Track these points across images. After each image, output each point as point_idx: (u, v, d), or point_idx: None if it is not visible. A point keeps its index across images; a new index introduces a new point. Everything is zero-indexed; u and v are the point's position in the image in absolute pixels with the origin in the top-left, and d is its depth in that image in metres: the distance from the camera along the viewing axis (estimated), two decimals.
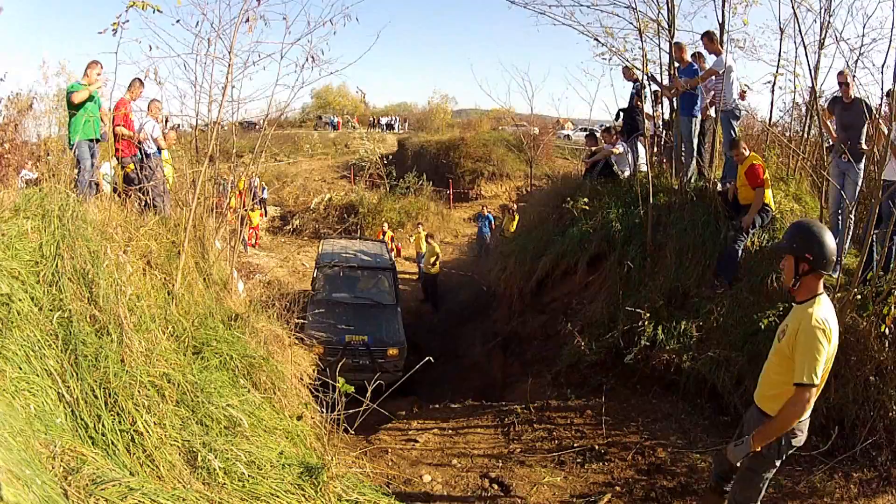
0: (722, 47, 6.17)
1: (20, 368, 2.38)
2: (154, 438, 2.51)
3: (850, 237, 5.06)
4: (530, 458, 4.05)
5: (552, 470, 3.86)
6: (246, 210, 6.00)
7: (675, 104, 6.50)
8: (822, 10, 5.92)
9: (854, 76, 5.63)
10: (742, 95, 6.42)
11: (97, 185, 5.15)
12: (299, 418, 3.45)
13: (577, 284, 6.38)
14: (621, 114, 7.45)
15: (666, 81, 6.64)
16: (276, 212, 18.78)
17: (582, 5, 6.49)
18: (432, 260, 11.26)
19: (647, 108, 7.07)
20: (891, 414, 3.61)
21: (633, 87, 7.16)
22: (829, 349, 2.18)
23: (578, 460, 3.97)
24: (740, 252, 5.17)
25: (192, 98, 4.49)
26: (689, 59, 6.41)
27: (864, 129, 4.86)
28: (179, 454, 2.54)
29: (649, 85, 6.85)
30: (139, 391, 2.65)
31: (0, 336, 2.43)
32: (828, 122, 5.33)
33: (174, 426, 2.65)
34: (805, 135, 6.94)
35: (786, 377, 2.24)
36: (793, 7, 4.76)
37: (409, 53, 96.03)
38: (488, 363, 7.52)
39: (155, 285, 3.66)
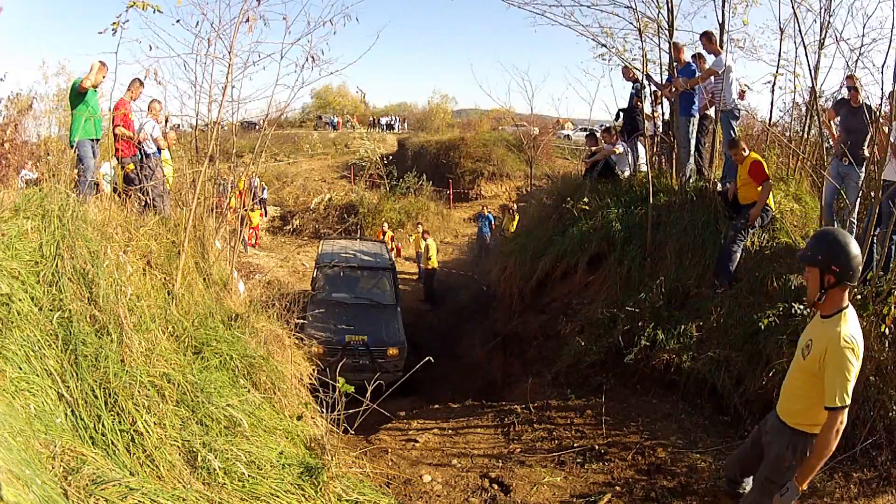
0: (722, 47, 6.18)
1: (20, 368, 2.38)
2: (154, 438, 2.51)
3: None
4: (530, 458, 4.05)
5: (552, 470, 3.86)
6: (246, 210, 6.00)
7: (673, 104, 6.50)
8: (822, 10, 5.93)
9: (854, 76, 5.64)
10: (741, 95, 6.42)
11: (97, 185, 5.15)
12: (299, 418, 3.45)
13: (577, 284, 6.38)
14: (621, 114, 7.46)
15: (664, 81, 6.65)
16: (276, 212, 18.78)
17: (582, 5, 6.50)
18: (429, 255, 11.46)
19: (647, 108, 7.08)
20: (891, 414, 3.61)
21: (633, 88, 7.17)
22: (858, 366, 2.11)
23: (578, 460, 3.96)
24: (740, 252, 5.17)
25: (192, 98, 4.49)
26: (688, 60, 6.42)
27: (868, 135, 4.87)
28: (179, 454, 2.54)
29: (649, 85, 6.86)
30: (139, 391, 2.65)
31: (0, 336, 2.43)
32: (830, 123, 5.33)
33: (174, 426, 2.65)
34: (805, 135, 6.94)
35: (811, 392, 2.20)
36: (793, 7, 4.77)
37: (409, 53, 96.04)
38: (488, 363, 7.53)
39: (155, 285, 3.66)
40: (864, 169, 4.91)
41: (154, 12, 3.69)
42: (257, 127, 15.03)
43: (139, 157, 5.66)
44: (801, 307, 4.30)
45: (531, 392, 5.09)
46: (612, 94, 25.03)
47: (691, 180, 6.31)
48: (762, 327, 4.32)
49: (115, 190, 4.90)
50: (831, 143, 5.21)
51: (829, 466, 3.53)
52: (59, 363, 2.54)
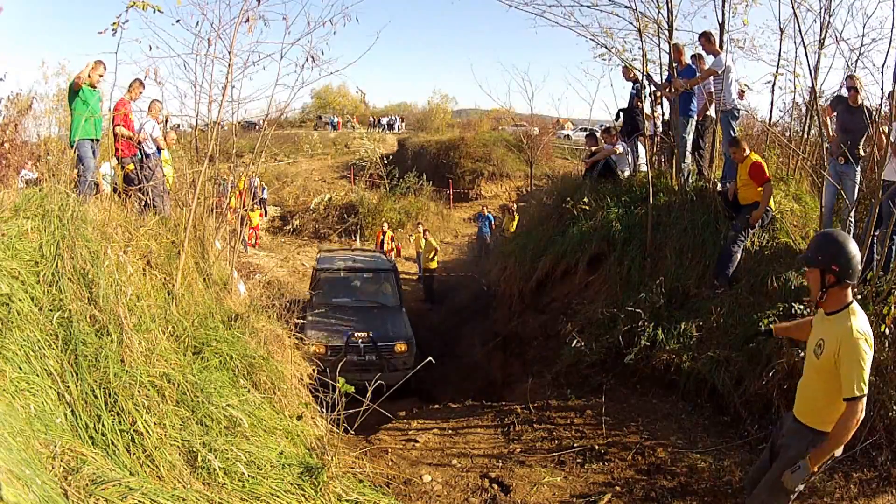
0: (722, 47, 6.18)
1: (20, 368, 2.38)
2: (154, 438, 2.51)
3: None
4: (530, 458, 4.05)
5: (552, 470, 3.86)
6: (246, 210, 6.00)
7: (673, 104, 6.50)
8: (822, 10, 5.93)
9: (855, 76, 5.63)
10: (741, 95, 6.43)
11: (97, 185, 5.15)
12: (299, 418, 3.45)
13: (577, 284, 6.38)
14: (621, 114, 7.46)
15: (664, 81, 6.64)
16: (276, 212, 18.78)
17: (582, 5, 6.48)
18: (431, 255, 11.47)
19: (647, 108, 7.08)
20: (891, 414, 3.61)
21: (633, 88, 7.17)
22: (871, 355, 2.17)
23: (578, 460, 3.96)
24: (740, 253, 5.17)
25: (192, 98, 4.49)
26: (688, 62, 6.42)
27: (865, 135, 4.87)
28: (179, 454, 2.54)
29: (648, 85, 6.86)
30: (139, 391, 2.65)
31: (0, 336, 2.43)
32: (827, 120, 5.32)
33: (174, 426, 2.65)
34: (805, 135, 6.94)
35: (830, 390, 2.22)
36: (793, 7, 4.77)
37: (409, 53, 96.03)
38: (488, 363, 7.52)
39: (155, 285, 3.66)
40: (859, 168, 4.90)
41: (154, 12, 3.69)
42: (257, 127, 15.03)
43: (139, 157, 5.67)
44: (801, 307, 4.30)
45: (531, 392, 5.09)
46: (612, 94, 25.10)
47: (691, 180, 6.31)
48: (762, 327, 4.32)
49: (115, 190, 4.90)
50: (828, 142, 5.21)
51: (829, 466, 3.53)
52: (59, 363, 2.54)
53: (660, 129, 7.14)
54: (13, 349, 2.41)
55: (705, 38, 6.08)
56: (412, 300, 11.43)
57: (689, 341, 4.84)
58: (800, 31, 5.05)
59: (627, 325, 5.20)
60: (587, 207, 6.54)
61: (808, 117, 6.64)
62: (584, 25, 6.54)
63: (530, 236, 7.50)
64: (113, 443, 2.40)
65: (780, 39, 6.58)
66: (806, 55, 4.86)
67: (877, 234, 4.39)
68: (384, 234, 13.40)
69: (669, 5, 6.22)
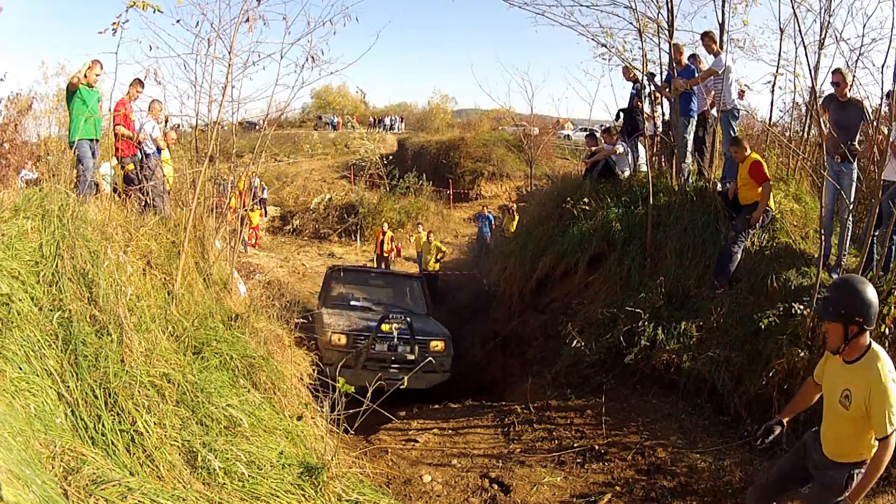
0: (722, 47, 6.17)
1: (20, 368, 2.38)
2: (154, 438, 2.51)
3: (849, 237, 5.07)
4: (530, 458, 4.05)
5: (552, 470, 3.86)
6: (246, 210, 6.00)
7: (673, 104, 6.50)
8: (822, 10, 5.93)
9: (854, 76, 5.62)
10: (741, 95, 6.43)
11: (97, 185, 5.15)
12: (299, 418, 3.45)
13: (577, 284, 6.38)
14: (621, 114, 7.46)
15: (663, 81, 6.65)
16: (276, 212, 18.78)
17: (582, 5, 6.48)
18: (438, 256, 11.47)
19: (647, 108, 7.08)
20: None
21: (633, 88, 7.17)
22: None
23: (578, 460, 3.97)
24: (739, 253, 5.17)
25: (192, 98, 4.49)
26: (687, 62, 6.42)
27: (859, 131, 4.86)
28: (179, 454, 2.54)
29: (649, 85, 6.86)
30: (139, 391, 2.65)
31: (0, 336, 2.43)
32: (822, 120, 5.32)
33: (174, 426, 2.65)
34: (805, 135, 6.94)
35: (863, 430, 2.20)
36: (793, 7, 4.76)
37: (409, 53, 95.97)
38: (488, 363, 7.52)
39: (155, 285, 3.66)
40: (855, 165, 4.90)
41: (154, 12, 3.68)
42: (257, 127, 15.03)
43: (139, 157, 5.67)
44: (801, 307, 4.30)
45: (531, 392, 5.09)
46: (612, 94, 24.94)
47: (691, 180, 6.31)
48: (762, 327, 4.32)
49: (115, 190, 4.90)
50: (822, 141, 5.19)
51: None
52: (59, 363, 2.54)
53: (660, 129, 7.14)
54: (13, 349, 2.41)
55: (709, 38, 6.08)
56: None
57: (689, 341, 4.84)
58: (800, 31, 5.05)
59: (627, 325, 5.20)
60: (587, 207, 6.54)
61: (808, 117, 6.64)
62: (584, 25, 6.54)
63: (530, 236, 7.50)
64: (113, 443, 2.40)
65: (780, 39, 6.58)
66: (806, 55, 4.85)
67: (877, 234, 4.39)
68: (384, 234, 13.39)
69: (669, 5, 6.22)
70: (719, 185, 5.95)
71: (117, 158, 5.58)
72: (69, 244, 3.08)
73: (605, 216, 6.42)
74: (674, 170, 6.50)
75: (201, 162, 4.47)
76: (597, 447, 4.08)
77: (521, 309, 7.13)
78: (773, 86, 6.43)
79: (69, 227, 3.18)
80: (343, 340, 5.89)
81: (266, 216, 17.58)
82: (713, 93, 6.15)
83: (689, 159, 6.39)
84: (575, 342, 5.42)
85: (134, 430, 2.50)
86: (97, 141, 5.39)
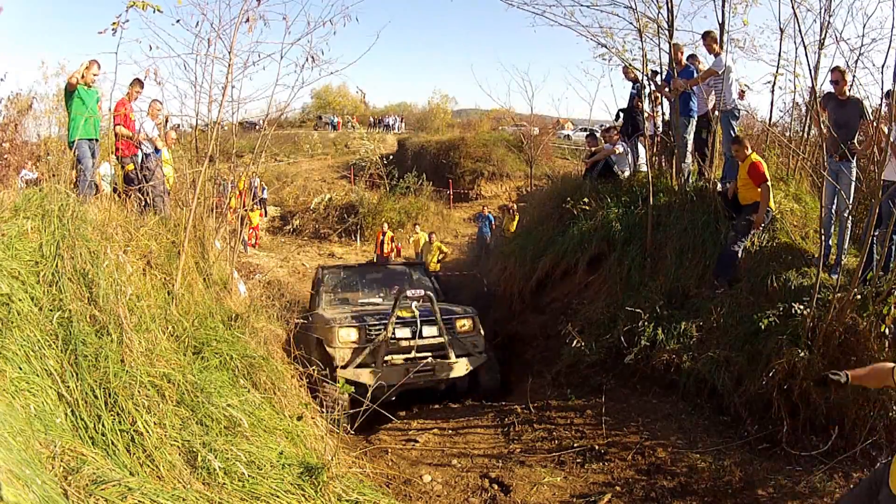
0: (722, 47, 6.17)
1: (20, 368, 2.38)
2: (154, 438, 2.51)
3: (849, 237, 5.07)
4: (530, 458, 4.05)
5: (552, 470, 3.86)
6: (246, 210, 6.00)
7: (673, 104, 6.50)
8: (822, 10, 5.92)
9: (854, 76, 5.62)
10: (741, 95, 6.43)
11: (96, 185, 5.15)
12: (299, 418, 3.45)
13: (577, 284, 6.38)
14: (621, 114, 7.46)
15: (662, 80, 6.64)
16: (276, 212, 18.78)
17: (581, 5, 6.48)
18: (439, 257, 11.46)
19: (647, 107, 7.08)
20: (891, 414, 3.61)
21: (633, 88, 7.17)
22: None
23: (578, 460, 3.96)
24: (739, 253, 5.17)
25: (192, 98, 4.49)
26: (686, 62, 6.42)
27: (858, 129, 4.86)
28: (179, 454, 2.54)
29: (649, 85, 6.86)
30: (139, 391, 2.65)
31: (0, 336, 2.43)
32: (821, 119, 5.32)
33: (174, 426, 2.65)
34: (805, 135, 6.93)
35: None
36: (793, 7, 4.75)
37: (409, 53, 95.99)
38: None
39: (155, 285, 3.66)
40: (853, 164, 4.90)
41: (154, 12, 3.69)
42: (257, 127, 15.03)
43: (139, 157, 5.66)
44: (801, 307, 4.30)
45: (531, 392, 5.08)
46: (612, 94, 25.00)
47: (691, 180, 6.31)
48: (762, 327, 4.32)
49: (115, 190, 4.90)
50: (821, 140, 5.19)
51: (829, 466, 3.53)
52: (59, 363, 2.54)
53: (660, 129, 7.14)
54: (13, 349, 2.41)
55: (711, 38, 6.07)
56: None
57: (689, 341, 4.84)
58: (800, 31, 5.04)
59: (627, 325, 5.20)
60: (587, 207, 6.54)
61: (808, 117, 6.64)
62: (584, 25, 6.54)
63: (530, 236, 7.50)
64: (113, 443, 2.40)
65: (780, 39, 6.58)
66: (806, 55, 4.85)
67: (877, 234, 4.39)
68: (384, 234, 13.39)
69: (669, 5, 6.22)
70: (719, 185, 5.95)
71: (117, 158, 5.58)
72: (69, 244, 3.08)
73: (605, 216, 6.41)
74: (674, 170, 6.50)
75: (201, 162, 4.47)
76: (597, 447, 4.08)
77: (521, 309, 7.13)
78: (773, 86, 6.43)
79: (69, 227, 3.18)
80: (354, 335, 5.15)
81: (266, 216, 17.59)
82: (713, 93, 6.15)
83: (689, 159, 6.39)
84: (575, 342, 5.42)
85: (134, 430, 2.50)
86: (97, 141, 5.39)
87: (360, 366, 5.03)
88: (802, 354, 3.89)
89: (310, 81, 4.68)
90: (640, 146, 7.13)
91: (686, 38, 6.95)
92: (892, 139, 4.18)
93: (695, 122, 6.35)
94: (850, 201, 4.91)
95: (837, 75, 4.88)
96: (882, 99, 4.53)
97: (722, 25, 6.31)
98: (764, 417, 4.04)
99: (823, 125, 4.63)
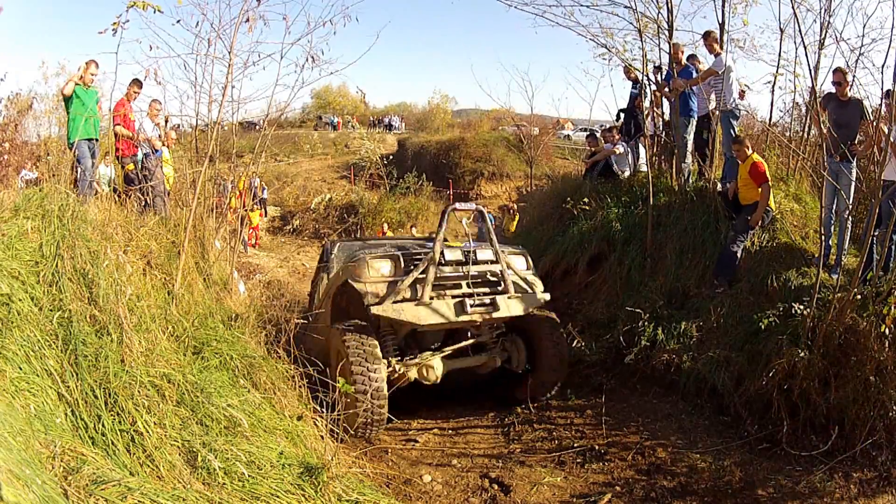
0: (722, 47, 6.17)
1: (20, 368, 2.38)
2: (154, 438, 2.51)
3: (849, 237, 5.07)
4: (530, 458, 4.05)
5: (552, 470, 3.86)
6: (246, 210, 6.00)
7: (673, 104, 6.50)
8: (822, 10, 5.93)
9: (854, 76, 5.62)
10: (742, 95, 6.43)
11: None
12: (299, 418, 3.45)
13: (577, 284, 6.38)
14: (621, 114, 7.47)
15: (662, 80, 6.64)
16: (276, 212, 18.80)
17: (581, 5, 6.49)
18: None
19: (647, 106, 7.08)
20: (891, 414, 3.60)
21: (633, 88, 7.17)
22: None
23: (578, 460, 3.96)
24: (739, 253, 5.17)
25: (192, 98, 4.50)
26: (686, 62, 6.42)
27: (858, 130, 4.87)
28: (179, 454, 2.54)
29: (649, 85, 6.86)
30: (139, 391, 2.65)
31: (0, 336, 2.43)
32: (821, 119, 5.33)
33: (174, 426, 2.65)
34: (805, 135, 6.94)
35: None
36: (793, 7, 4.75)
37: (409, 53, 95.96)
38: None
39: (155, 285, 3.66)
40: (854, 164, 4.90)
41: (154, 12, 3.69)
42: (257, 127, 15.04)
43: (139, 157, 5.67)
44: (801, 307, 4.30)
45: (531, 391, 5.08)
46: (612, 94, 25.03)
47: (691, 180, 6.31)
48: (762, 327, 4.32)
49: (115, 190, 4.90)
50: (821, 140, 5.19)
51: (829, 466, 3.53)
52: (59, 363, 2.54)
53: (660, 130, 7.14)
54: (13, 349, 2.41)
55: (712, 38, 6.07)
56: None
57: (689, 341, 4.84)
58: (800, 31, 5.04)
59: (627, 325, 5.20)
60: (587, 207, 6.54)
61: (808, 117, 6.64)
62: (584, 25, 6.56)
63: (530, 236, 7.50)
64: (113, 443, 2.40)
65: (780, 39, 6.58)
66: (806, 55, 4.85)
67: (877, 234, 4.39)
68: (384, 234, 13.41)
69: (669, 5, 6.23)
70: (719, 185, 5.95)
71: (117, 158, 5.58)
72: (69, 244, 3.08)
73: (605, 216, 6.42)
74: (674, 170, 6.51)
75: (201, 162, 4.47)
76: (597, 447, 4.08)
77: None
78: (773, 86, 6.44)
79: (69, 227, 3.18)
80: (388, 267, 4.28)
81: (266, 216, 17.60)
82: (713, 93, 6.15)
83: (689, 159, 6.39)
84: (575, 342, 5.42)
85: (134, 430, 2.50)
86: (96, 141, 5.40)
87: (399, 301, 4.11)
88: (802, 354, 3.89)
89: (310, 81, 4.69)
90: (640, 146, 7.13)
91: (686, 38, 6.97)
92: (892, 139, 4.18)
93: (695, 122, 6.36)
94: (850, 201, 4.91)
95: (840, 76, 4.88)
96: (882, 99, 4.53)
97: (722, 25, 6.32)
98: (764, 417, 4.04)
99: (823, 125, 4.63)
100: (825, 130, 4.56)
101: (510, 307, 4.25)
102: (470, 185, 20.96)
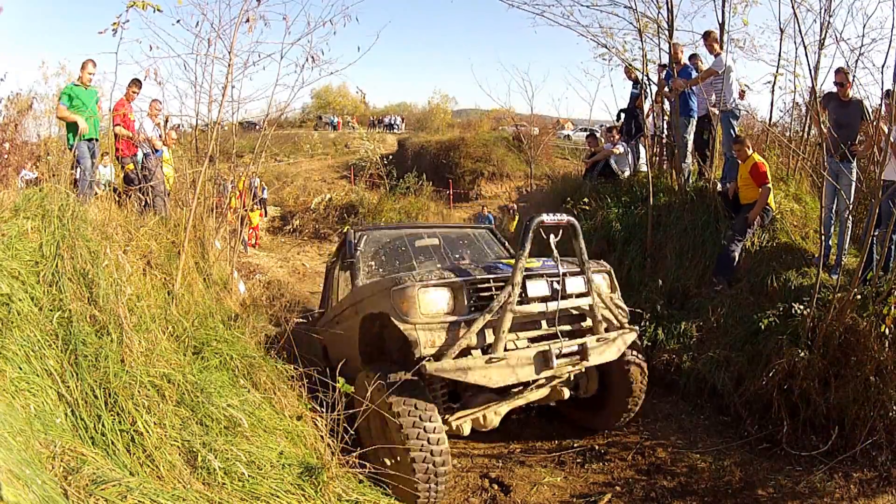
0: (722, 47, 6.17)
1: (20, 368, 2.38)
2: (154, 438, 2.51)
3: (849, 237, 5.07)
4: (530, 458, 4.05)
5: (552, 470, 3.86)
6: (246, 210, 6.00)
7: (673, 104, 6.50)
8: (822, 10, 5.93)
9: (854, 76, 5.62)
10: (742, 95, 6.43)
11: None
12: (299, 418, 3.45)
13: None
14: (622, 114, 7.47)
15: (661, 80, 6.64)
16: (276, 212, 18.78)
17: (581, 5, 6.50)
18: None
19: (648, 106, 7.08)
20: (891, 414, 3.60)
21: (634, 88, 7.17)
22: None
23: (578, 460, 3.97)
24: (738, 253, 5.17)
25: (192, 98, 4.50)
26: (686, 62, 6.42)
27: (858, 130, 4.86)
28: (179, 454, 2.54)
29: (649, 85, 6.86)
30: (139, 391, 2.65)
31: (0, 336, 2.43)
32: (821, 119, 5.33)
33: (174, 426, 2.65)
34: (805, 135, 6.94)
35: None
36: (793, 7, 4.75)
37: (409, 53, 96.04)
38: None
39: (155, 285, 3.66)
40: (854, 165, 4.90)
41: (154, 12, 3.69)
42: (257, 127, 15.03)
43: (139, 157, 5.67)
44: (801, 307, 4.30)
45: None
46: (612, 94, 25.12)
47: (691, 180, 6.32)
48: (762, 327, 4.32)
49: (115, 191, 4.90)
50: (821, 140, 5.19)
51: (829, 466, 3.53)
52: (59, 363, 2.54)
53: (660, 130, 7.14)
54: (13, 349, 2.41)
55: (712, 38, 6.07)
56: None
57: (689, 341, 4.84)
58: (800, 31, 5.05)
59: None
60: (587, 207, 6.54)
61: (808, 117, 6.64)
62: (584, 25, 6.56)
63: None
64: (113, 443, 2.40)
65: (780, 39, 6.59)
66: (806, 55, 4.84)
67: (877, 234, 4.39)
68: None
69: (669, 5, 6.23)
70: (719, 185, 5.95)
71: (117, 158, 5.58)
72: (69, 244, 3.08)
73: (605, 216, 6.42)
74: (674, 170, 6.50)
75: (201, 162, 4.47)
76: (597, 447, 4.08)
77: None
78: (773, 86, 6.44)
79: (69, 227, 3.18)
80: (446, 300, 3.07)
81: (266, 216, 17.58)
82: (713, 93, 6.15)
83: (689, 159, 6.39)
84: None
85: (134, 430, 2.50)
86: (96, 141, 5.40)
87: (462, 354, 3.03)
88: (802, 354, 3.89)
89: (310, 81, 4.70)
90: (640, 146, 7.14)
91: (686, 38, 6.98)
92: (892, 139, 4.18)
93: (695, 122, 6.36)
94: (850, 201, 4.91)
95: (842, 77, 4.88)
96: (882, 99, 4.53)
97: (722, 25, 6.32)
98: (764, 417, 4.04)
99: (823, 125, 4.63)
100: (825, 130, 4.56)
101: (603, 353, 3.34)
102: (470, 185, 20.97)
